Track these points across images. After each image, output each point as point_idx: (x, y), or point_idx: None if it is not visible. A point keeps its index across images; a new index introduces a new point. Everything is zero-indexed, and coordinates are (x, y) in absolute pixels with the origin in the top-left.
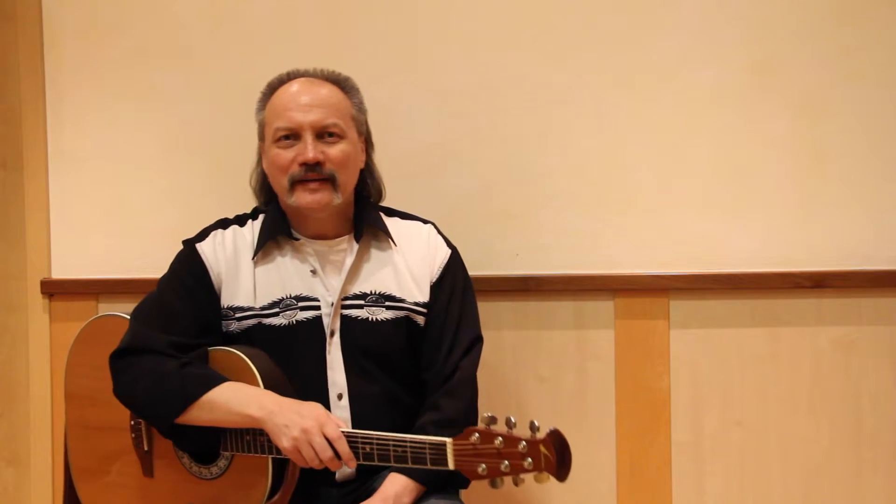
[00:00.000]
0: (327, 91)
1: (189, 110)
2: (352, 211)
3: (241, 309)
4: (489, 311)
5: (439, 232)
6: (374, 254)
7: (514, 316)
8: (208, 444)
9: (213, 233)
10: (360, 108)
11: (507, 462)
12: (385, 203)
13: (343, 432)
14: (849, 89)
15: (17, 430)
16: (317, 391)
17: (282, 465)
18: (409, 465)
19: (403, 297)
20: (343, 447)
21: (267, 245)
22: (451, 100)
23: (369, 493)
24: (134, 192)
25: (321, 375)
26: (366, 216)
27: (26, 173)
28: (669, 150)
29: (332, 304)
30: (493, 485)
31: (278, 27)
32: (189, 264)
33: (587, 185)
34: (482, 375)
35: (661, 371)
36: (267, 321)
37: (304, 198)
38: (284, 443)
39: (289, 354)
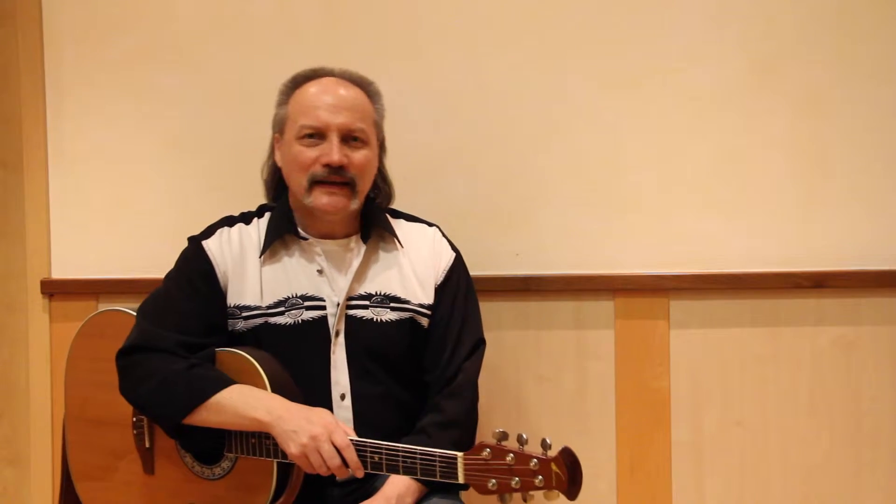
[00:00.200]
0: (355, 94)
1: (189, 110)
2: (360, 212)
3: (248, 308)
4: (489, 312)
5: (444, 235)
6: (381, 255)
7: (514, 316)
8: (213, 445)
9: (219, 230)
10: (381, 114)
11: (517, 479)
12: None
13: (351, 441)
14: (849, 89)
15: (17, 430)
16: (320, 391)
17: (286, 469)
18: (418, 477)
19: (408, 299)
20: (351, 456)
21: (273, 244)
22: (451, 100)
23: (371, 493)
24: (134, 192)
25: (325, 375)
26: (374, 218)
27: (26, 173)
28: (669, 150)
29: (338, 304)
30: (502, 500)
31: (278, 27)
32: (196, 262)
33: (587, 185)
34: (483, 375)
35: (661, 371)
36: (273, 320)
37: (321, 199)
38: (292, 448)
39: (293, 354)
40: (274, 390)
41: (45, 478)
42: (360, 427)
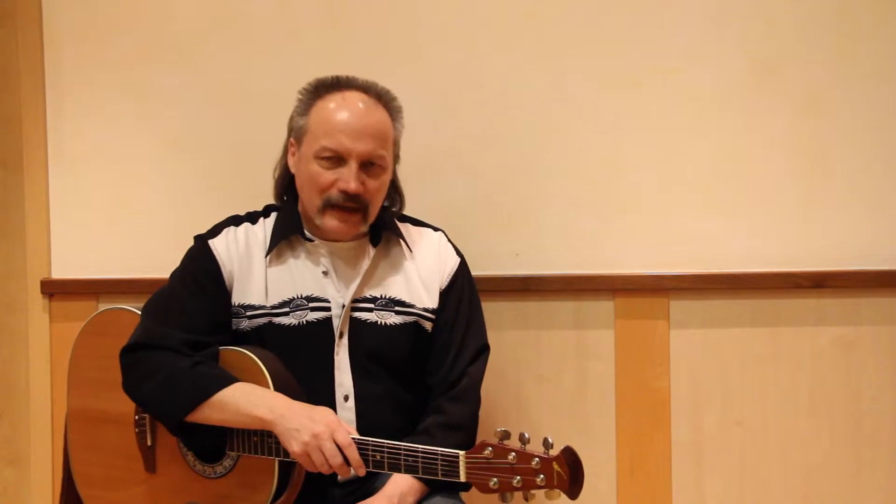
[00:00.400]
0: (378, 118)
1: (189, 110)
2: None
3: (253, 307)
4: (489, 312)
5: (449, 240)
6: (388, 259)
7: (514, 316)
8: (215, 443)
9: (225, 229)
10: (400, 131)
11: (519, 478)
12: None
13: (353, 439)
14: (849, 89)
15: (17, 430)
16: (323, 392)
17: (287, 467)
18: (420, 476)
19: (413, 303)
20: (353, 454)
21: (280, 244)
22: (451, 100)
23: (372, 492)
24: (134, 192)
25: (328, 376)
26: (384, 223)
27: (26, 173)
28: (669, 150)
29: (343, 306)
30: (503, 499)
31: (278, 28)
32: (201, 260)
33: (587, 185)
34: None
35: (661, 371)
36: (277, 320)
37: (332, 222)
38: (294, 447)
39: (297, 354)
40: (277, 389)
41: (45, 478)
42: (362, 428)
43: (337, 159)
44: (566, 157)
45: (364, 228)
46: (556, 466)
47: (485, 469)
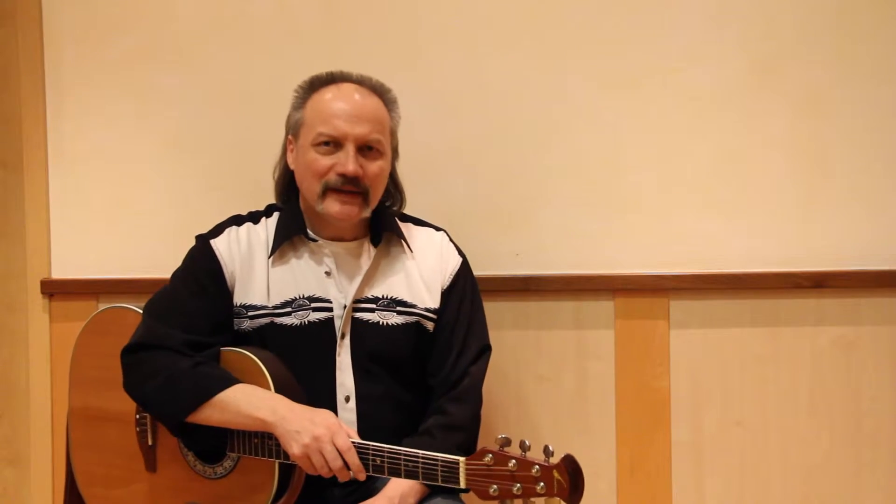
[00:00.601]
0: (373, 104)
1: (189, 111)
2: (370, 216)
3: (255, 307)
4: (489, 312)
5: (451, 240)
6: (390, 259)
7: (514, 316)
8: (215, 444)
9: (227, 229)
10: (397, 122)
11: (519, 485)
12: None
13: (354, 443)
14: (849, 89)
15: (17, 430)
16: (325, 393)
17: (288, 468)
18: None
19: (415, 303)
20: (353, 458)
21: (282, 245)
22: (451, 100)
23: (372, 493)
24: (134, 192)
25: (330, 377)
26: (384, 222)
27: (26, 173)
28: (669, 150)
29: (345, 307)
30: None
31: (278, 27)
32: (203, 260)
33: (587, 185)
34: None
35: (661, 371)
36: (279, 320)
37: (334, 207)
38: (294, 449)
39: (299, 355)
40: (278, 391)
41: (45, 478)
42: (363, 429)
43: (334, 144)
44: (566, 157)
45: (366, 214)
46: (556, 474)
47: (485, 476)
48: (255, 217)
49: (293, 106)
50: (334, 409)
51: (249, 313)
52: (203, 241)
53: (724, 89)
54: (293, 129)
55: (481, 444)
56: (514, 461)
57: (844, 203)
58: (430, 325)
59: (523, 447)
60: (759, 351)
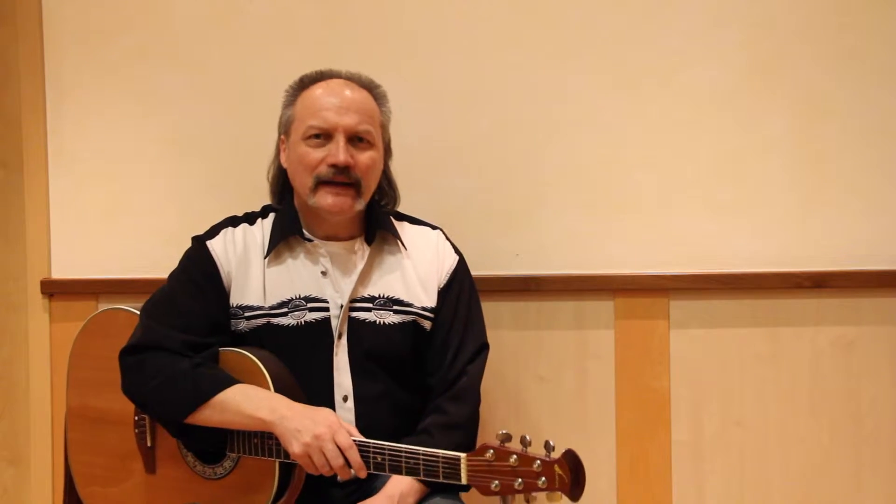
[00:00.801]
0: (362, 96)
1: (189, 110)
2: (364, 214)
3: (251, 308)
4: (489, 312)
5: (447, 238)
6: (384, 258)
7: (514, 316)
8: (216, 445)
9: (223, 230)
10: (387, 117)
11: (520, 480)
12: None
13: (354, 441)
14: (848, 89)
15: (17, 430)
16: (323, 392)
17: (288, 469)
18: (421, 478)
19: (411, 302)
20: (354, 456)
21: (278, 245)
22: (452, 99)
23: (372, 493)
24: (134, 192)
25: (328, 377)
26: (378, 220)
27: (26, 173)
28: (669, 150)
29: (341, 306)
30: (505, 501)
31: (278, 27)
32: (200, 262)
33: (587, 185)
34: (483, 376)
35: (661, 371)
36: (276, 321)
37: (326, 199)
38: (295, 448)
39: (296, 355)
40: (277, 390)
41: (45, 478)
42: (361, 429)
43: (324, 137)
44: (566, 157)
45: (359, 206)
46: (557, 469)
47: (486, 472)
48: (250, 218)
49: (284, 105)
50: (332, 410)
51: (246, 314)
52: (199, 243)
53: (724, 89)
54: (284, 127)
55: (481, 442)
56: (515, 456)
57: (844, 203)
58: (427, 324)
59: (524, 442)
60: (759, 351)
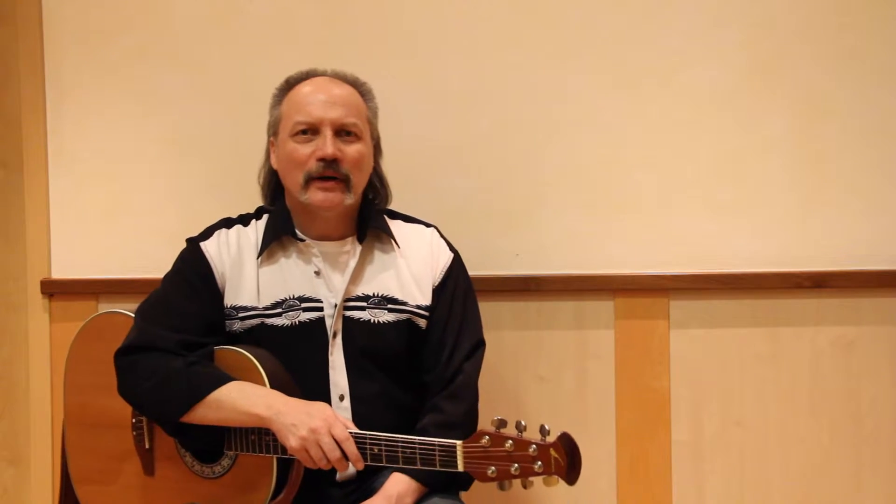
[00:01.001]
0: (347, 92)
1: (189, 110)
2: (357, 213)
3: (245, 308)
4: (489, 312)
5: (442, 235)
6: (378, 256)
7: (514, 316)
8: (213, 443)
9: (217, 232)
10: (375, 114)
11: (517, 465)
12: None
13: (351, 433)
14: (848, 90)
15: (17, 430)
16: (319, 392)
17: (286, 465)
18: (418, 467)
19: (405, 300)
20: (351, 448)
21: (271, 246)
22: (452, 99)
23: (370, 493)
24: (134, 192)
25: (323, 376)
26: (370, 218)
27: (26, 173)
28: (669, 150)
29: (335, 306)
30: (502, 487)
31: (278, 27)
32: (194, 263)
33: (587, 185)
34: (483, 376)
35: (661, 371)
36: (270, 321)
37: (317, 195)
38: (292, 442)
39: (291, 355)
40: (273, 387)
41: (45, 478)
42: (359, 427)
43: (311, 132)
44: (566, 157)
45: (349, 201)
46: (553, 453)
47: (482, 458)
48: (244, 219)
49: (271, 107)
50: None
51: (240, 315)
52: (193, 244)
53: (724, 89)
54: (273, 128)
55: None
56: (510, 441)
57: (844, 203)
58: (422, 323)
59: (519, 427)
60: (759, 351)
